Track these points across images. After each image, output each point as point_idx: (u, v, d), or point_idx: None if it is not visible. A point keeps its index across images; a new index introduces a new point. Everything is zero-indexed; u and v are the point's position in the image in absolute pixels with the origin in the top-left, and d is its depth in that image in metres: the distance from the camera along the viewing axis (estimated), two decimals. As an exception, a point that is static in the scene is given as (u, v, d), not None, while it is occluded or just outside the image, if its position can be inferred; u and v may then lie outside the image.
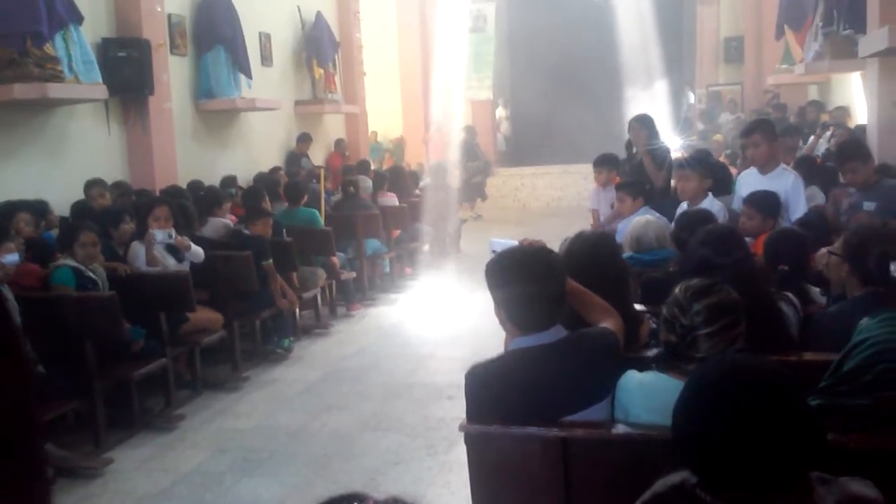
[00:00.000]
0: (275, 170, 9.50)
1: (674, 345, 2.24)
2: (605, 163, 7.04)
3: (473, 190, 14.20)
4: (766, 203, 4.53)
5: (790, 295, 3.15)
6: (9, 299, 4.58)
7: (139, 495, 4.11)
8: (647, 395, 2.30)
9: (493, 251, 2.58)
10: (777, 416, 1.42)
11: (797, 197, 4.94)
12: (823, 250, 3.27)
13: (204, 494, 4.10)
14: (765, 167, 5.03)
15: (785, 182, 4.98)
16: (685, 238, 3.64)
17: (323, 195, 8.42)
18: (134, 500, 4.06)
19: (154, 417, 5.12)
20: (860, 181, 5.02)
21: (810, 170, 6.13)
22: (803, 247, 3.60)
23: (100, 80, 6.72)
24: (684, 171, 5.32)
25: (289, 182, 8.37)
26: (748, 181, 5.12)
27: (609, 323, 2.53)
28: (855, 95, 10.20)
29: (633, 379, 2.37)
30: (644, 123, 6.83)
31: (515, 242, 2.66)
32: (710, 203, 5.10)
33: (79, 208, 6.19)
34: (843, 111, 9.95)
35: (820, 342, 2.85)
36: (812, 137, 9.34)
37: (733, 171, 7.20)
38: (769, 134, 5.12)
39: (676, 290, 2.30)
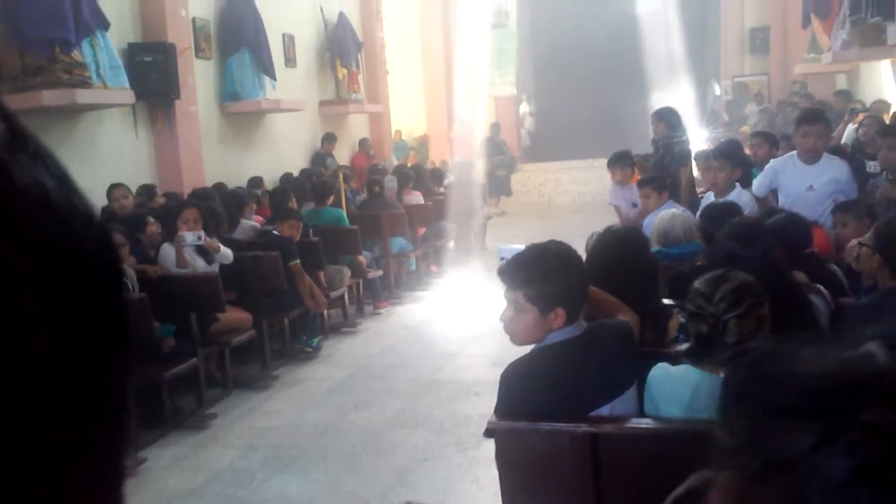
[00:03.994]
0: (305, 172, 9.55)
1: (705, 336, 2.24)
2: (618, 161, 6.99)
3: (497, 185, 14.17)
4: (859, 207, 4.44)
5: (820, 287, 3.12)
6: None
7: (172, 493, 4.17)
8: (678, 388, 2.30)
9: (503, 258, 2.58)
10: None
11: (854, 187, 4.90)
12: (854, 241, 3.23)
13: (235, 492, 4.14)
14: (812, 158, 4.89)
15: (839, 172, 4.86)
16: (711, 231, 3.61)
17: (343, 195, 8.43)
18: (167, 498, 4.12)
19: (186, 416, 5.19)
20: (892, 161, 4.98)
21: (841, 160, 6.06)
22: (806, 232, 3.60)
23: (127, 85, 6.81)
24: (713, 162, 5.28)
25: (315, 182, 8.42)
26: (791, 173, 4.98)
27: (624, 316, 2.54)
28: (885, 84, 10.04)
29: (663, 372, 2.37)
30: (662, 117, 6.80)
31: (523, 247, 2.65)
32: (739, 194, 5.05)
33: (107, 213, 6.27)
34: (882, 105, 9.76)
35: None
36: (840, 124, 9.20)
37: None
38: (829, 127, 5.09)
39: (696, 284, 2.31)
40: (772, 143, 6.86)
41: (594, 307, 2.59)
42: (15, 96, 5.79)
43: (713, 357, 2.23)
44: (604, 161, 7.40)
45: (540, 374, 2.33)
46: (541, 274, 2.30)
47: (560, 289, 2.29)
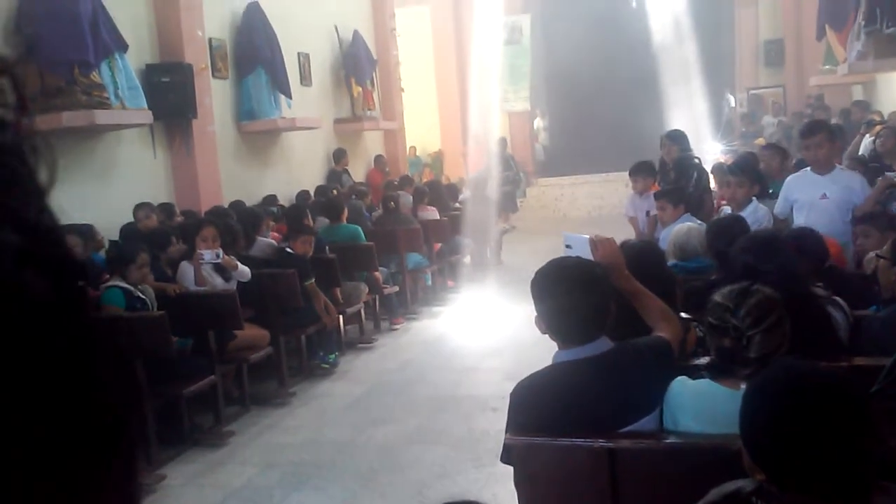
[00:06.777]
0: (320, 189, 9.58)
1: (728, 350, 2.22)
2: (640, 171, 6.96)
3: (502, 200, 14.14)
4: (881, 219, 4.42)
5: (839, 299, 3.10)
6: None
7: (191, 511, 4.18)
8: (698, 403, 2.28)
9: (568, 245, 2.58)
10: (853, 424, 1.43)
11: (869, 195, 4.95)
12: (872, 254, 3.21)
13: (254, 509, 4.15)
14: (823, 168, 4.99)
15: (853, 182, 4.99)
16: (720, 247, 3.60)
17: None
18: (186, 516, 4.14)
19: (204, 434, 5.20)
20: None
21: (861, 171, 6.02)
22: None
23: (145, 105, 6.89)
24: (731, 178, 5.28)
25: (327, 199, 8.45)
26: (804, 183, 5.06)
27: (666, 330, 2.47)
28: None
29: (683, 386, 2.34)
30: (675, 139, 6.84)
31: (587, 237, 2.63)
32: (755, 209, 5.04)
33: (129, 231, 6.33)
34: None
35: (870, 347, 2.80)
36: (857, 136, 9.16)
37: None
38: (831, 135, 5.12)
39: (716, 297, 2.28)
40: (784, 154, 6.84)
41: (639, 307, 2.55)
42: (35, 118, 5.89)
43: (734, 372, 2.21)
44: (618, 175, 7.43)
45: (547, 392, 2.32)
46: (536, 292, 2.34)
47: (544, 308, 2.31)
